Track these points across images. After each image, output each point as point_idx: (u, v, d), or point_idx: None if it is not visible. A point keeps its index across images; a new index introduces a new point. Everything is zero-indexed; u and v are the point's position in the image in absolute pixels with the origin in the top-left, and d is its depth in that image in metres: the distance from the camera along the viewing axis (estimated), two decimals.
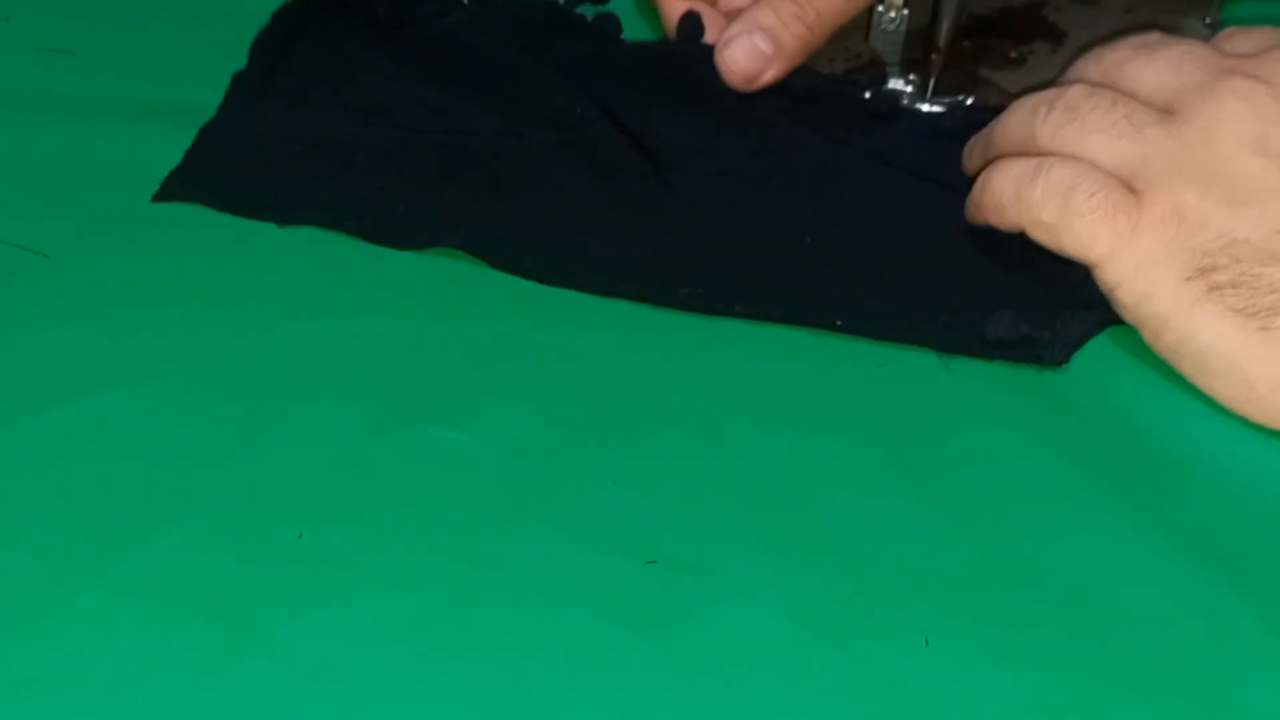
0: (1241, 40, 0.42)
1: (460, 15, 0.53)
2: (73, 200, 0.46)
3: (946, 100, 0.49)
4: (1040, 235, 0.41)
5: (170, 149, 0.47)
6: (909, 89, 0.50)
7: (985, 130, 0.45)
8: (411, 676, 0.32)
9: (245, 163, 0.47)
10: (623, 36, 0.53)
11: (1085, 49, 0.44)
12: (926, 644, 0.33)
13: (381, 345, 0.41)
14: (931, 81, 0.50)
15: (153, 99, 0.50)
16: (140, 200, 0.46)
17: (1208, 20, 0.51)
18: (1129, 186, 0.40)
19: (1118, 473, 0.38)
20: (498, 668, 0.33)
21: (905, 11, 0.49)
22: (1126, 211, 0.39)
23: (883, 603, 0.34)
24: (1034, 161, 0.41)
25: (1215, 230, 0.38)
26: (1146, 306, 0.39)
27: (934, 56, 0.50)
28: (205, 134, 0.48)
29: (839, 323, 0.41)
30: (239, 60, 0.51)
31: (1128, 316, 0.40)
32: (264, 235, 0.45)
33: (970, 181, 0.44)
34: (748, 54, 0.48)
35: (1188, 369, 0.39)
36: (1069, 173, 0.40)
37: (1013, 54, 0.52)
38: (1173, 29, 0.45)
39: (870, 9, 0.49)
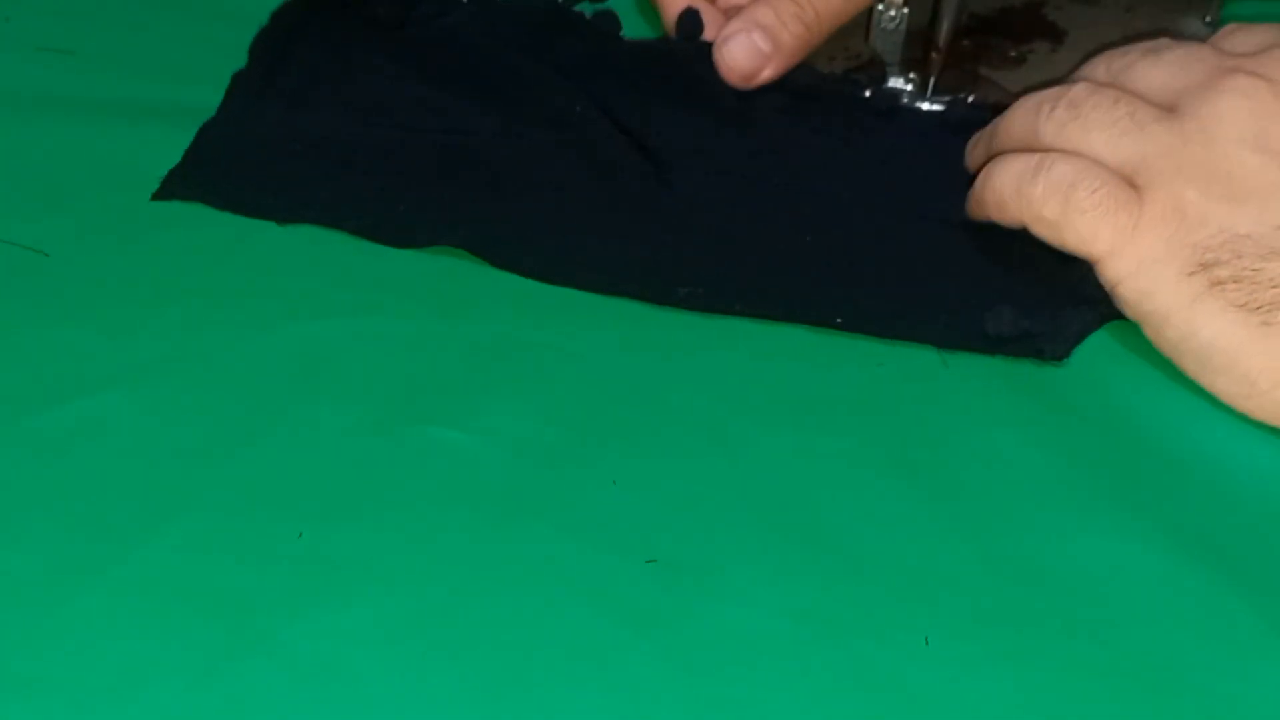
0: (1242, 38, 0.42)
1: (460, 15, 0.53)
2: (73, 200, 0.46)
3: (946, 100, 0.49)
4: (1042, 231, 0.41)
5: (170, 149, 0.47)
6: (909, 88, 0.50)
7: (988, 127, 0.45)
8: (411, 676, 0.32)
9: (245, 162, 0.47)
10: (622, 34, 0.53)
11: (1085, 49, 0.44)
12: (926, 644, 0.33)
13: (381, 345, 0.41)
14: (931, 81, 0.50)
15: (153, 99, 0.50)
16: (140, 200, 0.46)
17: (1208, 19, 0.51)
18: (1130, 183, 0.40)
19: (1118, 472, 0.37)
20: (498, 668, 0.33)
21: (905, 11, 0.49)
22: (1128, 208, 0.39)
23: (883, 603, 0.34)
24: (1036, 158, 0.41)
25: (1216, 226, 0.38)
26: (1148, 303, 0.39)
27: (934, 56, 0.50)
28: (205, 133, 0.48)
29: (839, 321, 0.41)
30: (239, 60, 0.51)
31: (1130, 313, 0.40)
32: (264, 235, 0.45)
33: (971, 178, 0.44)
34: (746, 51, 0.48)
35: (1189, 365, 0.39)
36: (1071, 169, 0.40)
37: (1013, 53, 0.52)
38: (1173, 27, 0.45)
39: (870, 8, 0.49)
